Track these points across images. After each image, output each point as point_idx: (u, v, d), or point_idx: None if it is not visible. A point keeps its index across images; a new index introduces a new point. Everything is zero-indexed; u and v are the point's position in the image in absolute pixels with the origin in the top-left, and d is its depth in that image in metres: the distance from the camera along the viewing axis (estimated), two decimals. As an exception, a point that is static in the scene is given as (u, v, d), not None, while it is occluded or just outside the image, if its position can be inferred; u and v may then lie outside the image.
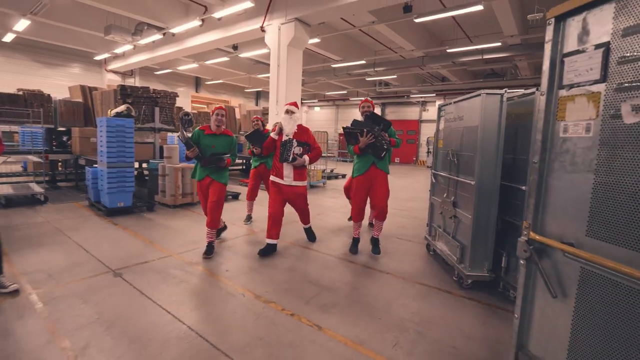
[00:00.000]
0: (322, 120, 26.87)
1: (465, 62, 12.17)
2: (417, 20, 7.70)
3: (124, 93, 6.32)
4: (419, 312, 2.62)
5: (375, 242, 3.90)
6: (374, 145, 3.57)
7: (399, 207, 6.72)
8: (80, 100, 7.52)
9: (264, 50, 10.59)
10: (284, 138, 3.63)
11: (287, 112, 3.70)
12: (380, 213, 3.73)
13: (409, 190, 9.58)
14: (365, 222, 5.08)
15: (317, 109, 27.24)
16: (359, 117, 3.80)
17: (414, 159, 22.43)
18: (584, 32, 1.19)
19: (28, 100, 6.71)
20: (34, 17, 9.70)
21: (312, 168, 10.05)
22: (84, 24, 10.55)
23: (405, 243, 4.39)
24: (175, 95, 7.46)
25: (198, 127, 3.80)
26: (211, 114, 3.77)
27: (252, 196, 5.02)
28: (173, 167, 5.82)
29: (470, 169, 3.11)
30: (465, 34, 10.61)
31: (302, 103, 26.20)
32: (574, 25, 1.24)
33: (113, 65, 15.45)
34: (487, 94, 3.03)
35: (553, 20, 1.29)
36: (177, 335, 2.19)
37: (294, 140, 3.61)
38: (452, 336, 2.31)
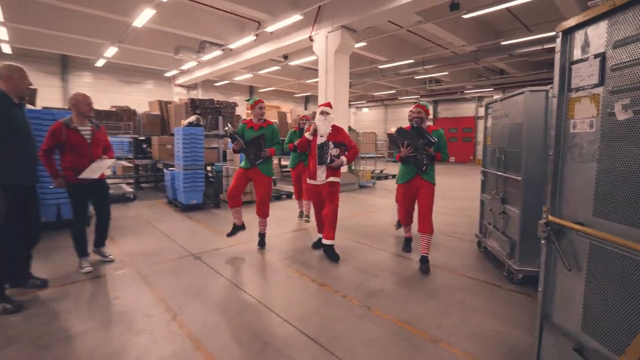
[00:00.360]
0: (370, 120, 26.92)
1: (524, 53, 11.51)
2: (465, 17, 7.62)
3: (193, 105, 7.25)
4: (464, 301, 2.79)
5: (424, 260, 3.46)
6: (415, 158, 3.44)
7: (450, 207, 6.75)
8: (158, 112, 8.72)
9: (312, 57, 11.14)
10: (319, 139, 3.62)
11: (322, 113, 3.67)
12: (424, 224, 3.40)
13: (462, 190, 9.42)
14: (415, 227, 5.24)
15: (365, 109, 27.35)
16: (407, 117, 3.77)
17: (471, 157, 21.46)
18: (586, 44, 1.39)
19: (119, 115, 7.99)
20: (121, 45, 11.37)
21: (362, 169, 10.33)
22: (157, 47, 12.05)
23: (455, 240, 4.52)
24: (235, 105, 8.30)
25: (242, 122, 4.01)
26: (251, 108, 3.91)
27: (299, 195, 5.39)
28: (235, 169, 6.55)
29: (517, 166, 3.20)
30: (522, 24, 10.11)
31: (349, 105, 26.56)
32: (578, 38, 1.44)
33: (180, 80, 17.27)
34: (530, 91, 3.12)
35: (561, 34, 1.50)
36: (248, 305, 2.69)
37: (330, 142, 3.61)
38: (496, 323, 2.45)
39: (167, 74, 16.74)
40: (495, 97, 4.09)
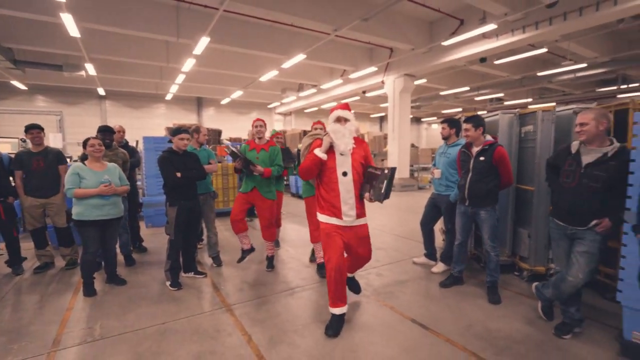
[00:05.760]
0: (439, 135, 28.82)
1: (566, 79, 12.96)
2: (497, 62, 10.23)
3: (304, 133, 11.20)
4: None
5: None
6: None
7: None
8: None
9: (383, 91, 14.52)
10: (339, 159, 2.62)
11: (339, 119, 2.62)
12: None
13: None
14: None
15: (434, 126, 29.43)
16: None
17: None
18: None
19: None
20: (245, 89, 16.31)
21: (417, 175, 13.16)
22: (269, 88, 16.75)
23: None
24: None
25: (244, 143, 4.04)
26: (252, 127, 3.87)
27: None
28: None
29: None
30: (558, 56, 11.94)
31: (420, 121, 28.98)
32: None
33: (278, 110, 22.21)
34: (503, 112, 3.78)
35: None
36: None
37: (376, 169, 2.65)
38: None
39: (270, 106, 21.79)
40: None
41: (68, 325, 2.83)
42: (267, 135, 4.25)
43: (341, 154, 2.63)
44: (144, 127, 18.19)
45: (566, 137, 3.41)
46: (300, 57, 10.06)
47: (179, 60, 11.17)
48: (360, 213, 2.72)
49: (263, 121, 3.90)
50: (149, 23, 8.48)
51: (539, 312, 2.91)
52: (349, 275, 3.11)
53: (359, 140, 2.76)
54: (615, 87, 13.33)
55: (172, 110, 20.02)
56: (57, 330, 2.75)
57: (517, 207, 3.87)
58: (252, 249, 3.99)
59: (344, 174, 2.63)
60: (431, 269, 4.08)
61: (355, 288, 3.28)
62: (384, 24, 8.98)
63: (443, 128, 3.95)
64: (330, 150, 2.65)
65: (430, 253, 4.27)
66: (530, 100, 17.86)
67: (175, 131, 3.57)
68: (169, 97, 18.22)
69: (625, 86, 13.15)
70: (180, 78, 12.95)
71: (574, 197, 2.50)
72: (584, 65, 10.81)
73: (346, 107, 2.71)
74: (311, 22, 8.25)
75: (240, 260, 3.99)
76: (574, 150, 2.59)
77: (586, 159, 2.48)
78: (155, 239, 5.59)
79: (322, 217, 2.71)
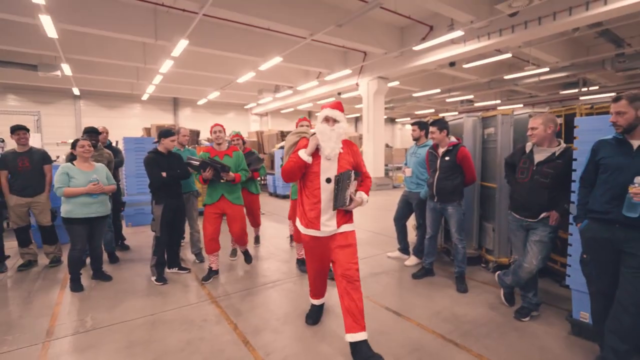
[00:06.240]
0: (414, 136, 29.66)
1: (531, 82, 13.82)
2: (466, 66, 10.74)
3: (282, 134, 11.27)
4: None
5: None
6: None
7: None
8: (256, 139, 12.96)
9: (358, 92, 14.84)
10: (324, 163, 2.33)
11: (327, 119, 2.34)
12: None
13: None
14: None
15: (408, 126, 30.29)
16: None
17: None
18: None
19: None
20: (222, 90, 16.15)
21: (391, 175, 13.54)
22: (246, 90, 16.68)
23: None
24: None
25: (203, 151, 3.70)
26: (210, 133, 3.66)
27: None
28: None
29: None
30: (525, 61, 12.71)
31: (395, 121, 29.68)
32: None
33: (255, 110, 22.10)
34: (467, 116, 5.96)
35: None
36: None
37: (352, 172, 2.31)
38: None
39: (247, 107, 21.67)
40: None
41: (59, 318, 2.93)
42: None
43: (327, 159, 2.35)
44: (119, 127, 17.53)
45: (524, 138, 3.72)
46: (276, 60, 10.15)
47: (156, 61, 10.98)
48: (342, 221, 2.40)
49: (222, 126, 3.74)
50: (126, 25, 8.32)
51: (502, 299, 3.17)
52: (353, 339, 2.26)
53: (348, 143, 2.49)
54: (577, 90, 14.33)
55: (148, 111, 19.49)
56: (49, 323, 2.85)
57: (482, 203, 4.16)
58: (217, 272, 3.83)
59: (327, 180, 2.36)
60: (404, 262, 4.31)
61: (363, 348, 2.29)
62: (357, 29, 9.23)
63: (414, 130, 4.18)
64: (317, 152, 2.37)
65: (404, 247, 4.49)
66: (499, 102, 18.79)
67: (167, 133, 3.64)
68: (145, 97, 17.73)
69: (585, 89, 14.20)
70: (157, 79, 12.69)
71: (527, 192, 2.76)
72: (547, 69, 11.54)
73: (337, 106, 2.39)
74: (288, 27, 8.37)
75: (206, 279, 3.69)
76: (527, 149, 2.86)
77: (538, 157, 2.75)
78: (136, 237, 5.61)
79: (300, 227, 2.48)
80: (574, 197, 2.53)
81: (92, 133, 4.15)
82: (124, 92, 16.80)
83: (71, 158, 3.66)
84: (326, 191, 2.35)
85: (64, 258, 4.36)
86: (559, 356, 2.37)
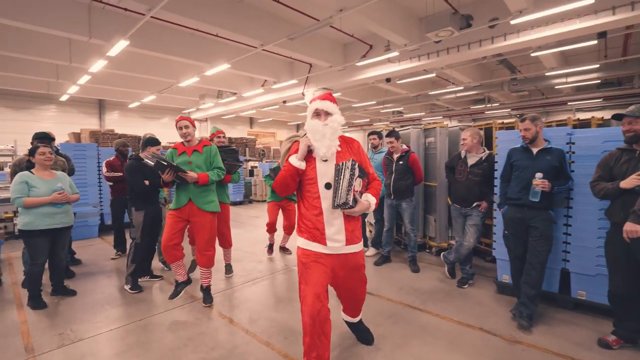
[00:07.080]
0: (351, 143, 31.47)
1: (449, 98, 16.10)
2: (399, 82, 12.12)
3: (230, 141, 11.32)
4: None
5: None
6: None
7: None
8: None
9: (303, 101, 15.49)
10: (320, 165, 2.01)
11: (318, 114, 2.03)
12: None
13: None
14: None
15: (346, 134, 32.06)
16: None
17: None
18: None
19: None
20: (159, 94, 15.43)
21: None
22: (187, 94, 16.17)
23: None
24: (255, 139, 12.38)
25: (171, 147, 3.25)
26: (177, 128, 3.09)
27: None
28: (260, 179, 10.61)
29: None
30: (446, 80, 14.78)
31: (333, 130, 31.01)
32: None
33: (194, 115, 21.34)
34: (413, 127, 7.21)
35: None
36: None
37: (355, 162, 1.95)
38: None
39: (185, 112, 20.82)
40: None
41: (32, 335, 2.77)
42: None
43: (323, 160, 2.00)
44: (27, 130, 15.40)
45: (456, 146, 4.68)
46: (224, 66, 10.24)
47: (85, 60, 10.16)
48: (352, 237, 2.04)
49: (189, 119, 3.10)
50: (55, 20, 7.67)
51: (446, 274, 3.99)
52: (351, 320, 2.37)
53: (348, 140, 2.13)
54: (483, 106, 17.06)
55: (65, 113, 17.55)
56: (23, 341, 2.68)
57: (426, 199, 5.03)
58: (188, 281, 3.28)
59: (327, 185, 1.99)
60: (365, 253, 4.96)
61: (364, 336, 2.45)
62: (305, 42, 9.85)
63: (374, 139, 4.90)
64: (310, 156, 2.04)
65: (363, 242, 5.15)
66: (423, 114, 21.14)
67: (153, 141, 3.71)
68: (64, 98, 15.96)
69: (490, 105, 16.97)
70: (84, 79, 11.67)
71: (464, 187, 3.61)
72: (462, 87, 13.60)
73: (328, 97, 2.07)
74: (240, 35, 8.61)
75: (174, 295, 3.16)
76: (462, 155, 3.73)
77: (470, 161, 3.62)
78: (84, 250, 5.31)
79: (300, 242, 2.08)
80: (496, 189, 3.42)
81: (44, 139, 3.83)
82: (38, 91, 14.84)
83: (29, 166, 3.40)
84: (327, 199, 1.99)
85: (5, 278, 4.10)
86: (492, 307, 3.22)
